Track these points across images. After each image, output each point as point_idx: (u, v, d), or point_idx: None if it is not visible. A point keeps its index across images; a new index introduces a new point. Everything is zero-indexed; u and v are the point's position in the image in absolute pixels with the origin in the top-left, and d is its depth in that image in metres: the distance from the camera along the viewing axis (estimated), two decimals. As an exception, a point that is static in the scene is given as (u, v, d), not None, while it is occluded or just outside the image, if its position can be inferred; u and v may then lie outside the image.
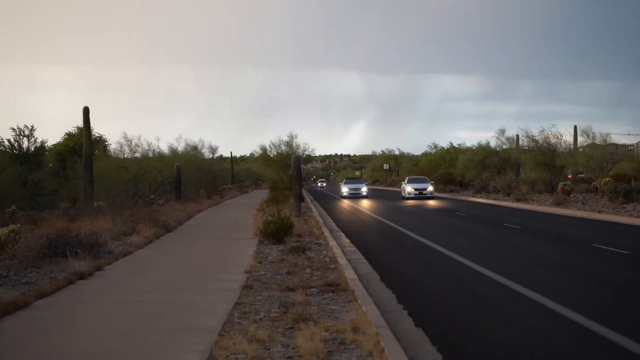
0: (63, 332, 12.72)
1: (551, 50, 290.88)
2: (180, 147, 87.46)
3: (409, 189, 72.77)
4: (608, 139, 69.12)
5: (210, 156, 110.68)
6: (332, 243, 27.11)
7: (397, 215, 47.44)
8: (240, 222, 38.80)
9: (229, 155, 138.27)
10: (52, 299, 16.01)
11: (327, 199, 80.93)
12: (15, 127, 64.13)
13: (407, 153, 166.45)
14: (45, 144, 66.82)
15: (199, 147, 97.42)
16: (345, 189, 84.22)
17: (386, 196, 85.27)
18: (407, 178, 78.70)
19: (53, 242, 22.11)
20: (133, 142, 66.53)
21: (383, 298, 16.24)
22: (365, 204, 65.43)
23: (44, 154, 67.20)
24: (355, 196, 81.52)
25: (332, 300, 15.17)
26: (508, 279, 18.35)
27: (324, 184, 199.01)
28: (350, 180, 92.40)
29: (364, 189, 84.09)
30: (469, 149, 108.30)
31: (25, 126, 64.49)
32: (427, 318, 14.05)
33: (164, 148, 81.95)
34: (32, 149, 64.21)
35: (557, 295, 15.83)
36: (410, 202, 67.29)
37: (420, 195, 71.99)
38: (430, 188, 73.24)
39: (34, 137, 64.68)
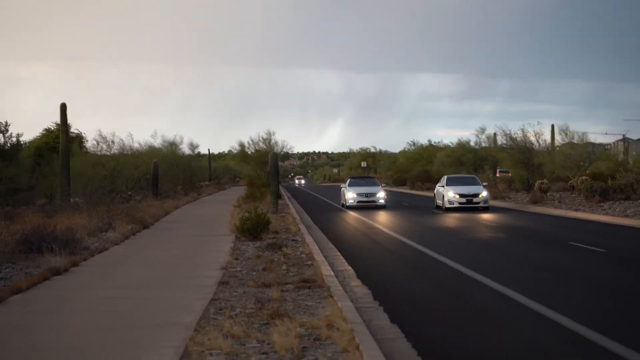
0: (39, 328, 12.68)
1: (530, 49, 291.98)
2: (157, 144, 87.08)
3: (450, 195, 47.16)
4: (585, 138, 69.41)
5: (190, 153, 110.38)
6: (309, 239, 27.13)
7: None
8: (217, 218, 38.74)
9: (207, 152, 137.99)
10: (28, 294, 15.97)
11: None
12: (-8, 123, 63.62)
13: (385, 151, 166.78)
14: (21, 139, 66.34)
15: (177, 143, 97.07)
16: (351, 195, 51.81)
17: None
18: (446, 178, 51.36)
19: (29, 237, 22.05)
20: (108, 139, 66.27)
21: (359, 294, 16.28)
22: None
23: (20, 150, 66.80)
24: (366, 206, 51.29)
25: (307, 297, 15.19)
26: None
27: (302, 181, 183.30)
28: (358, 180, 56.81)
29: (381, 195, 52.25)
30: (447, 147, 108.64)
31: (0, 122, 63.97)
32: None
33: (142, 144, 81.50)
34: (8, 144, 63.80)
35: (539, 295, 15.92)
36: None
37: (470, 204, 46.78)
38: (485, 194, 47.71)
39: (9, 132, 64.22)
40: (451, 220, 39.93)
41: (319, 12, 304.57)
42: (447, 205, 46.86)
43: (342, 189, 54.80)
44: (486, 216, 41.92)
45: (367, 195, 51.60)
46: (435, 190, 51.97)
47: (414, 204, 56.85)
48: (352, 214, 46.01)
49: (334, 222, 40.10)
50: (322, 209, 53.17)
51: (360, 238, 31.00)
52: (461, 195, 46.83)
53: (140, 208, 41.13)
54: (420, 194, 77.97)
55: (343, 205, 53.21)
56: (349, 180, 56.70)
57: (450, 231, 33.82)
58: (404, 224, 37.82)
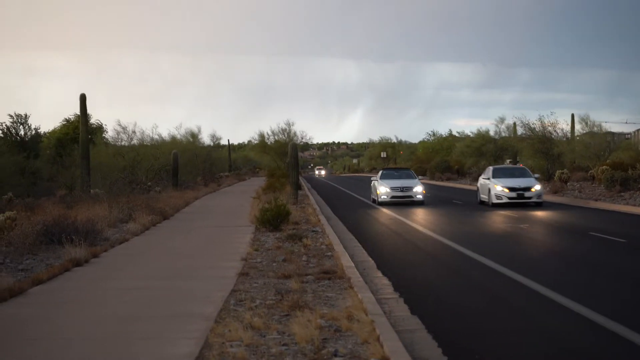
0: (59, 319, 12.72)
1: (549, 38, 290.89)
2: (179, 135, 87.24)
3: (498, 188, 41.40)
4: (605, 127, 69.08)
5: (211, 144, 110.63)
6: (329, 230, 27.12)
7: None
8: (237, 209, 38.79)
9: (227, 143, 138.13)
10: (48, 285, 16.02)
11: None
12: (13, 114, 63.89)
13: (405, 141, 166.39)
14: (39, 131, 66.54)
15: (197, 134, 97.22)
16: (384, 190, 45.47)
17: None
18: (491, 169, 44.76)
19: (49, 229, 22.11)
20: (128, 129, 66.34)
21: (379, 285, 16.26)
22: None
23: (40, 142, 67.04)
24: (401, 202, 45.12)
25: (328, 288, 15.17)
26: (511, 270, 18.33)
27: (322, 172, 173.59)
28: (392, 172, 49.62)
29: (419, 189, 45.50)
30: (466, 137, 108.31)
31: (18, 114, 64.15)
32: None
33: (163, 134, 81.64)
34: (29, 135, 64.03)
35: (556, 283, 15.88)
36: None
37: (522, 199, 41.03)
38: (538, 187, 41.68)
39: (28, 124, 64.44)
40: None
41: (338, 1, 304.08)
42: (495, 201, 41.08)
43: (373, 182, 47.89)
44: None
45: (402, 189, 45.15)
46: (478, 183, 45.77)
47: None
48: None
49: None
50: (349, 206, 45.69)
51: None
52: (511, 189, 41.00)
53: (160, 199, 41.24)
54: (443, 185, 77.75)
55: (374, 200, 46.45)
56: (381, 172, 49.24)
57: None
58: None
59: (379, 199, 45.14)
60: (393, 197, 44.77)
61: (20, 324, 12.41)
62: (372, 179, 49.09)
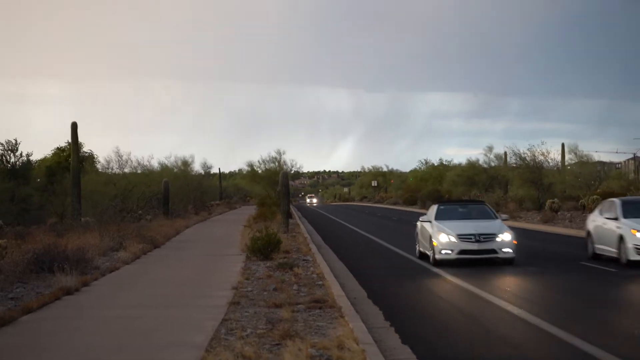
0: (50, 348, 12.69)
1: (539, 68, 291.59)
2: (170, 163, 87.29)
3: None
4: (595, 157, 69.36)
5: (202, 172, 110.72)
6: (320, 259, 27.10)
7: None
8: (228, 238, 38.75)
9: (217, 171, 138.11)
10: (39, 314, 15.98)
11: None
12: (4, 142, 63.75)
13: (395, 170, 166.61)
14: (30, 158, 66.43)
15: (189, 162, 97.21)
16: (445, 240, 26.23)
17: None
18: (436, 207, 29.35)
19: (40, 257, 22.06)
20: (124, 158, 66.29)
21: (370, 314, 16.24)
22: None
23: (31, 169, 66.96)
24: (477, 261, 26.29)
25: (319, 317, 15.16)
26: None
27: (314, 200, 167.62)
28: (454, 207, 30.05)
29: (506, 238, 26.44)
30: (457, 166, 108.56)
31: (8, 141, 63.96)
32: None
33: (154, 164, 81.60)
34: (20, 163, 63.94)
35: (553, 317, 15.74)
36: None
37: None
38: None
39: (19, 151, 64.31)
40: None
41: (330, 31, 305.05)
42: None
43: (422, 225, 28.66)
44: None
45: (479, 238, 26.14)
46: (592, 225, 28.14)
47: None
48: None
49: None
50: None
51: None
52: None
53: (151, 227, 41.18)
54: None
55: (423, 256, 28.44)
56: (436, 207, 29.18)
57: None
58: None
59: (438, 255, 26.11)
60: (463, 251, 26.12)
61: (10, 353, 12.37)
62: (420, 221, 29.04)
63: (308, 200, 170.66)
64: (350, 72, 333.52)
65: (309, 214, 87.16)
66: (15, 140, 63.88)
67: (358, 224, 57.63)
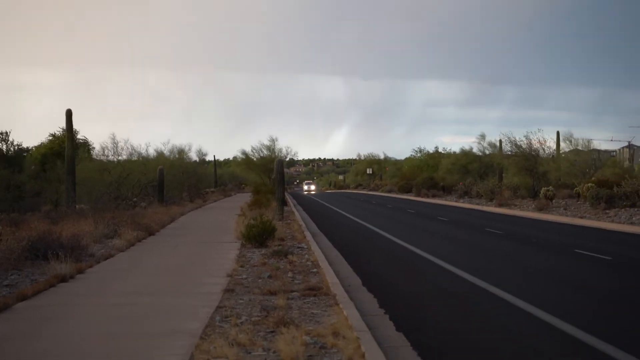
0: (44, 335, 12.69)
1: (534, 56, 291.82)
2: (166, 151, 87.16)
3: None
4: (590, 145, 69.35)
5: (197, 160, 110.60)
6: (314, 247, 27.12)
7: None
8: (223, 225, 38.74)
9: (212, 159, 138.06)
10: (33, 301, 15.98)
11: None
12: (-2, 130, 63.58)
13: (391, 157, 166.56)
14: (21, 146, 66.29)
15: (186, 150, 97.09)
16: None
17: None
18: None
19: (34, 244, 22.04)
20: (119, 145, 66.16)
21: (364, 302, 16.26)
22: None
23: (25, 157, 66.86)
24: None
25: (313, 305, 15.17)
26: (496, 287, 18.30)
27: (312, 187, 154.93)
28: None
29: None
30: (452, 154, 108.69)
31: (0, 132, 63.83)
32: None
33: (150, 151, 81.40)
34: (11, 152, 63.80)
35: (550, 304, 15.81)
36: None
37: None
38: None
39: (9, 140, 64.14)
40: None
41: (325, 19, 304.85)
42: None
43: None
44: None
45: None
46: None
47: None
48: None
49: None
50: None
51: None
52: None
53: (146, 215, 41.15)
54: (429, 202, 77.80)
55: None
56: None
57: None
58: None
59: None
60: None
61: (4, 339, 12.37)
62: None
63: (305, 187, 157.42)
64: (346, 60, 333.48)
65: (304, 201, 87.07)
66: (6, 132, 63.80)
67: (353, 211, 57.56)
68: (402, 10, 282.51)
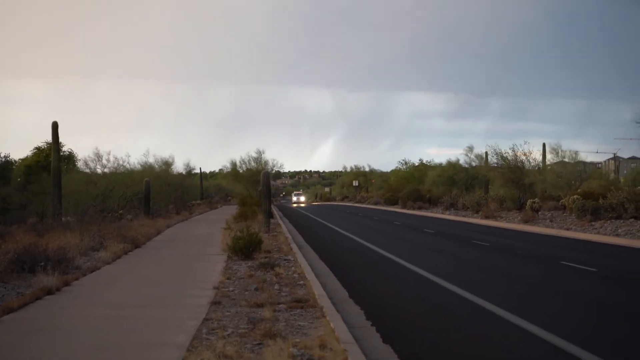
0: (30, 348, 12.65)
1: (520, 68, 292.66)
2: (151, 162, 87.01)
3: None
4: (576, 157, 69.60)
5: (183, 172, 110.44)
6: (301, 259, 27.12)
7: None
8: (209, 237, 38.71)
9: (199, 171, 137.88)
10: (20, 314, 15.93)
11: None
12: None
13: (377, 169, 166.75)
14: (8, 158, 66.19)
15: (171, 162, 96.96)
16: None
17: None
18: None
19: (20, 257, 21.98)
20: (103, 158, 66.05)
21: (351, 314, 16.27)
22: None
23: (11, 169, 66.74)
24: None
25: (300, 317, 15.18)
26: (484, 300, 18.40)
27: (302, 198, 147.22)
28: None
29: None
30: (438, 166, 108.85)
31: None
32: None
33: (135, 163, 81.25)
34: (-1, 163, 63.71)
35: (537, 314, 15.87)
36: None
37: None
38: None
39: (-5, 152, 64.07)
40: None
41: (312, 31, 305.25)
42: None
43: None
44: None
45: None
46: None
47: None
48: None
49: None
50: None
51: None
52: None
53: (132, 227, 41.08)
54: (415, 214, 77.91)
55: None
56: None
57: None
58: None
59: None
60: None
61: (-9, 352, 12.34)
62: None
63: (294, 199, 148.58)
64: (332, 72, 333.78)
65: (290, 213, 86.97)
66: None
67: (339, 223, 57.55)
68: (389, 23, 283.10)
